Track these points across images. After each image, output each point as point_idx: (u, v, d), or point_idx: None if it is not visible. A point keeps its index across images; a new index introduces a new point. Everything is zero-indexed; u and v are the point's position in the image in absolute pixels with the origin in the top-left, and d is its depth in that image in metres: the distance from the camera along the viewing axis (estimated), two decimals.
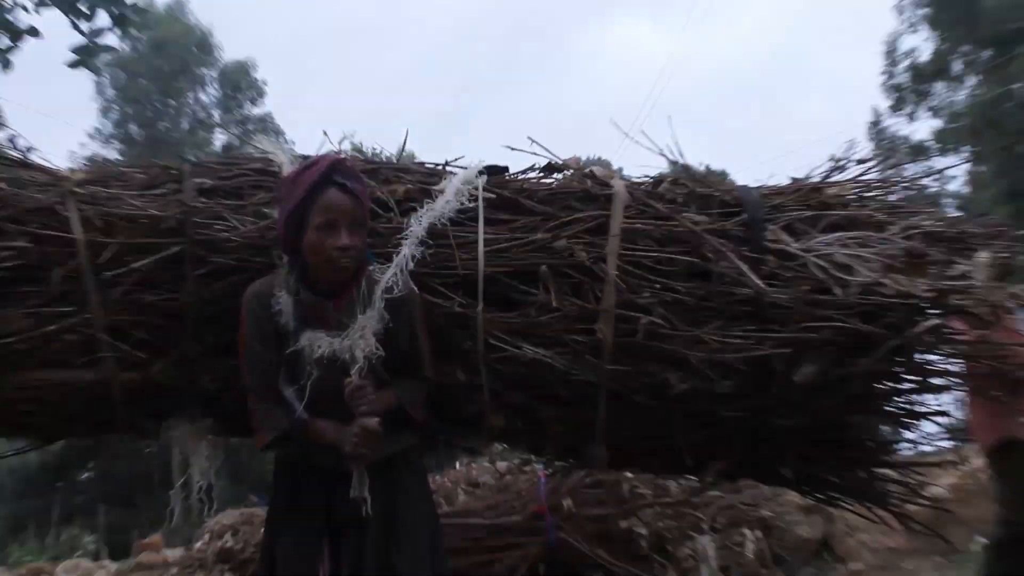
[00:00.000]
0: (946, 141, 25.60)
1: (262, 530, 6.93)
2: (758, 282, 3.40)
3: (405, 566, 3.24)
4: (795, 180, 3.77)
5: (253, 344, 3.20)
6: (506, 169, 3.65)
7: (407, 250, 3.30)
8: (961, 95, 26.00)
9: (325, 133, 3.65)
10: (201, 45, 33.86)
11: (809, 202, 3.66)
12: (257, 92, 34.59)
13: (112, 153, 31.71)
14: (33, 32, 6.52)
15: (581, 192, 3.57)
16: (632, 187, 3.62)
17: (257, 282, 3.27)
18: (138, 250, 3.34)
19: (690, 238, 3.50)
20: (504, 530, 6.33)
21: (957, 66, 25.99)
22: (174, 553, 9.22)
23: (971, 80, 25.56)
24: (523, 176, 3.70)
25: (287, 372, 3.21)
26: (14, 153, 3.53)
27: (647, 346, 3.42)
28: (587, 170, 3.61)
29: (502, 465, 7.68)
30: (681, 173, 3.69)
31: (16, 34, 6.51)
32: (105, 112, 33.19)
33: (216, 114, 34.86)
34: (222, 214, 3.42)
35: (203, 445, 3.64)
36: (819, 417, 3.55)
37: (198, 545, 7.87)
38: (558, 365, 3.42)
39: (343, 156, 3.22)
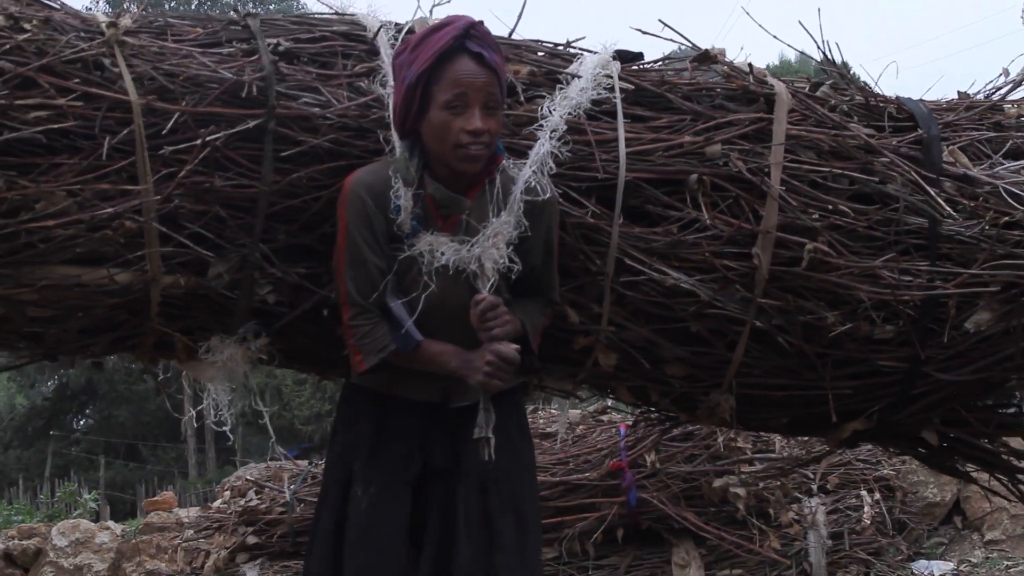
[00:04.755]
0: None
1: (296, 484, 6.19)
2: (948, 208, 2.92)
3: (510, 530, 2.69)
4: (963, 95, 3.27)
5: (359, 246, 2.57)
6: (640, 56, 3.04)
7: (547, 145, 2.68)
8: None
9: None
10: None
11: (984, 123, 3.16)
12: None
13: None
14: None
15: (737, 89, 2.99)
16: (793, 88, 3.05)
17: (363, 170, 2.62)
18: (205, 121, 2.64)
19: (859, 154, 2.97)
20: (576, 488, 5.75)
21: None
22: (188, 513, 8.35)
23: None
24: (662, 66, 3.10)
25: (395, 284, 2.61)
26: None
27: (808, 278, 2.90)
28: (745, 63, 3.03)
29: (574, 413, 6.86)
30: (838, 77, 3.14)
31: None
32: None
33: None
34: (312, 84, 2.73)
35: (239, 372, 2.99)
36: (983, 374, 3.08)
37: (216, 504, 7.12)
38: (703, 295, 2.87)
39: (480, 21, 2.57)
